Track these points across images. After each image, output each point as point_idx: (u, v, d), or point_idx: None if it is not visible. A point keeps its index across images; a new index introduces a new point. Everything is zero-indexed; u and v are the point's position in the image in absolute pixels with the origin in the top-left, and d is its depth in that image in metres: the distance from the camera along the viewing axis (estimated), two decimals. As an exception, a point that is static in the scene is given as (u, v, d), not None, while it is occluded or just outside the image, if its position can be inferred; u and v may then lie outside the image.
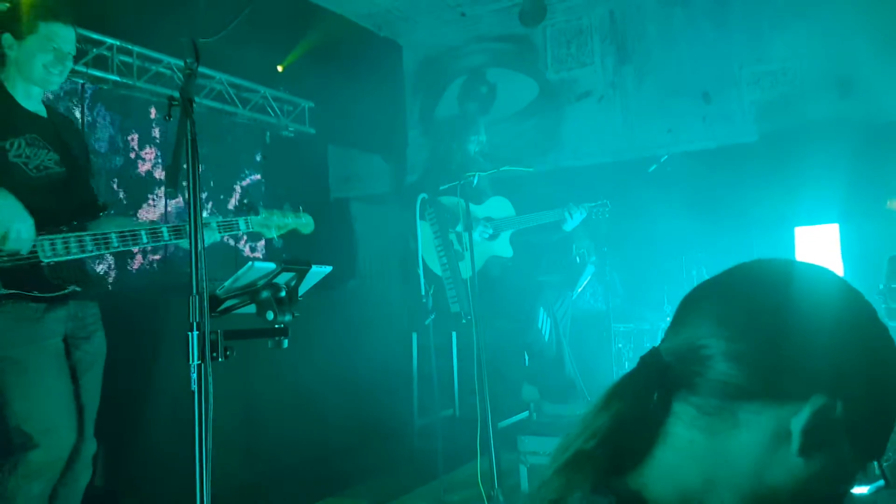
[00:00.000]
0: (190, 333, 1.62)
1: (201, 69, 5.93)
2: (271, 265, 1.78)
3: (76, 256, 2.17)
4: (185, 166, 1.62)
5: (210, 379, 1.62)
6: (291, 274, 1.84)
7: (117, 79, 4.76)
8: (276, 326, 1.82)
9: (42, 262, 2.09)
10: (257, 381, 5.24)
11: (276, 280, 1.81)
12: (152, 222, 2.29)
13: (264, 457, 4.40)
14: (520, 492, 3.22)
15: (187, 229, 2.17)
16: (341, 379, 5.55)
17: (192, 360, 1.63)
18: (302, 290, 1.92)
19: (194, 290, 1.60)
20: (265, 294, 1.80)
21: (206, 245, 2.30)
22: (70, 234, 2.13)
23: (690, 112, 5.83)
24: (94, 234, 2.16)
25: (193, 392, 1.63)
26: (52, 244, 2.10)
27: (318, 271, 1.91)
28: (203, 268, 1.60)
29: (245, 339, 1.76)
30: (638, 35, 6.16)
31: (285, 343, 1.85)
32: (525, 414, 3.94)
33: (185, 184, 1.64)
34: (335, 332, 6.04)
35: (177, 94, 1.72)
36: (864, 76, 5.28)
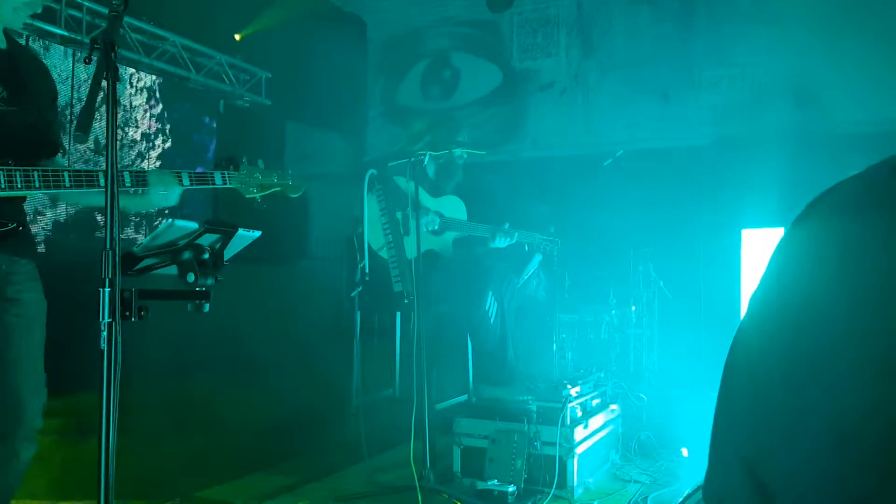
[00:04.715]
0: (101, 290, 1.55)
1: (155, 30, 5.72)
2: (193, 224, 1.71)
3: (21, 193, 1.98)
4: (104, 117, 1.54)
5: (120, 338, 1.55)
6: (216, 236, 1.78)
7: (65, 33, 4.58)
8: (198, 289, 1.76)
9: None
10: (196, 352, 5.14)
11: (199, 241, 1.75)
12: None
13: (197, 428, 4.31)
14: (451, 473, 3.22)
15: (152, 178, 2.09)
16: (284, 356, 5.48)
17: (103, 318, 1.57)
18: (228, 254, 1.86)
19: (107, 245, 1.53)
20: (187, 255, 1.73)
21: (176, 198, 2.19)
22: (15, 168, 1.94)
23: (649, 110, 5.89)
24: (45, 170, 1.98)
25: (102, 351, 1.57)
26: None
27: (246, 235, 1.84)
28: (117, 221, 1.53)
29: (162, 300, 1.69)
30: (604, 29, 6.18)
31: (206, 307, 1.78)
32: (464, 397, 3.93)
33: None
34: (282, 310, 5.96)
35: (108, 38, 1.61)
36: (819, 87, 5.39)
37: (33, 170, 1.98)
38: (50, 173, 1.99)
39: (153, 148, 5.52)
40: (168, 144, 5.63)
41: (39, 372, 2.13)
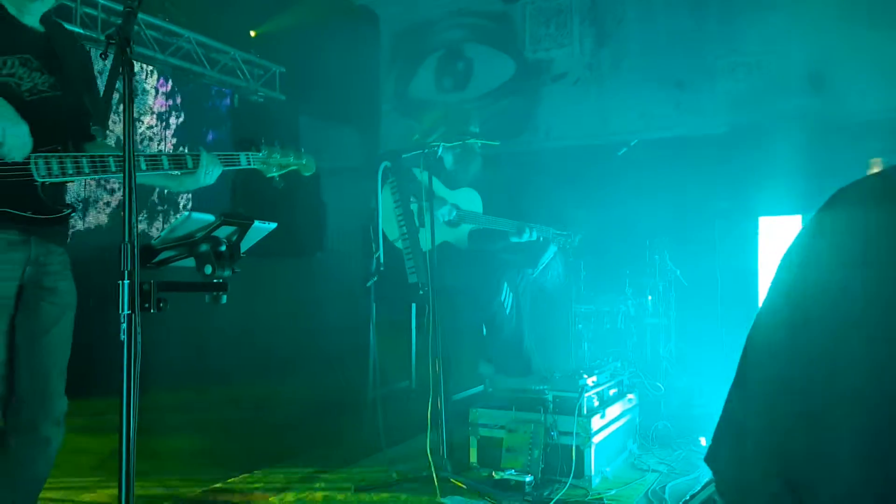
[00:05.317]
0: (120, 282, 1.58)
1: (170, 26, 5.75)
2: (210, 217, 1.73)
3: (72, 179, 2.05)
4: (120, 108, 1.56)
5: (139, 329, 1.58)
6: (233, 228, 1.79)
7: (80, 31, 4.62)
8: (215, 281, 1.78)
9: (36, 181, 1.97)
10: (214, 345, 5.20)
11: (215, 234, 1.76)
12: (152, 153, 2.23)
13: (216, 421, 4.37)
14: (468, 463, 3.23)
15: (204, 159, 2.17)
16: (301, 347, 5.53)
17: (123, 310, 1.59)
18: (244, 246, 1.87)
19: (126, 238, 1.56)
20: (204, 247, 1.75)
21: (215, 177, 2.26)
22: (66, 154, 2.01)
23: (664, 99, 5.84)
24: (92, 156, 2.04)
25: (122, 342, 1.59)
26: (47, 163, 1.97)
27: (262, 227, 1.86)
28: (135, 215, 1.55)
29: (180, 292, 1.71)
30: (617, 18, 6.13)
31: (224, 299, 1.80)
32: (481, 388, 3.94)
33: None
34: (298, 301, 6.00)
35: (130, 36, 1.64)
36: (834, 73, 5.32)
37: (82, 156, 2.04)
38: (97, 159, 2.05)
39: (168, 127, 5.57)
40: (181, 120, 5.67)
41: (67, 354, 2.19)
